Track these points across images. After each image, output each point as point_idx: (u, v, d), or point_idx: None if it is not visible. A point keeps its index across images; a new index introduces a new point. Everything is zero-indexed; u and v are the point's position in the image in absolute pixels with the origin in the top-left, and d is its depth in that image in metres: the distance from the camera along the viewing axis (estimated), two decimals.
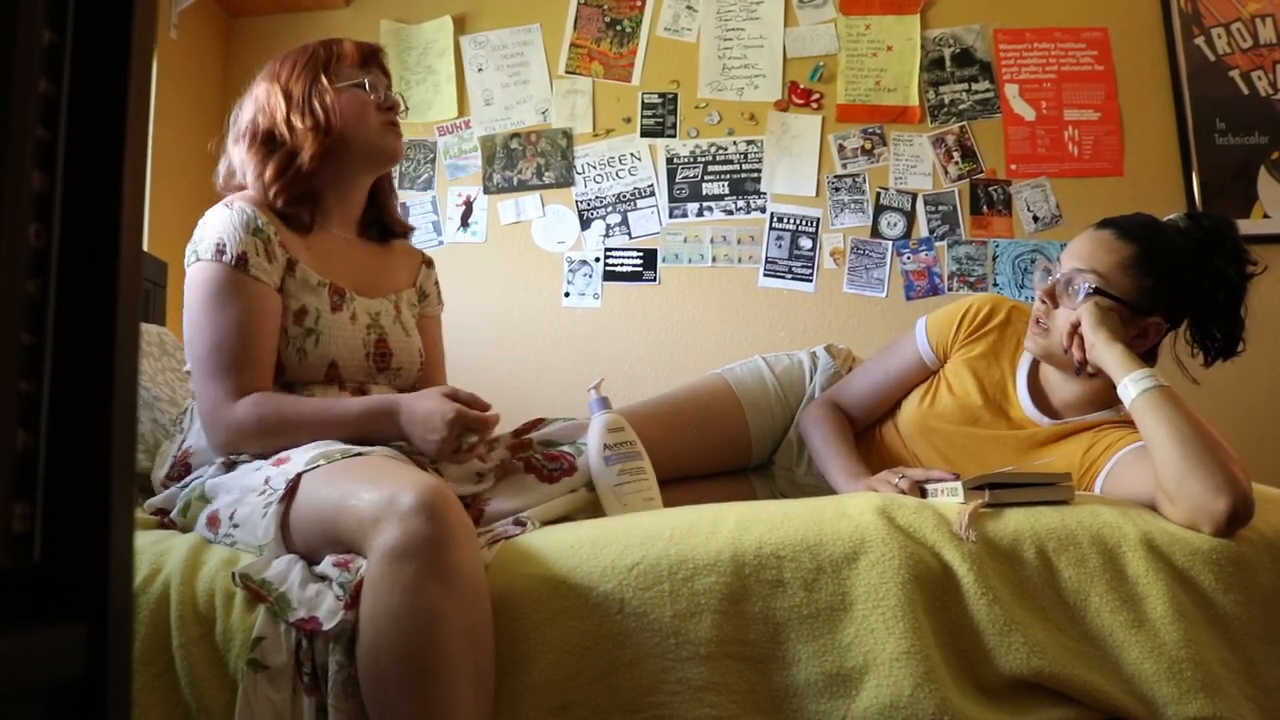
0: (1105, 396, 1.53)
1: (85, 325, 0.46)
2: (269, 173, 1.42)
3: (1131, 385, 1.34)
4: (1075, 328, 1.45)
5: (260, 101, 1.48)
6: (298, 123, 1.44)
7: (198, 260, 1.35)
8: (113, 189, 0.46)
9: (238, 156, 1.48)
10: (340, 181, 1.50)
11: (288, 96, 1.46)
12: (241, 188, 1.48)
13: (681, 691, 1.07)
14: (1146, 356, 1.52)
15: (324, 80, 1.47)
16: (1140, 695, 1.09)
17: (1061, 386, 1.56)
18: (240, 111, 1.51)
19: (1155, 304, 1.48)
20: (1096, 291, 1.46)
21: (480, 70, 3.10)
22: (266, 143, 1.44)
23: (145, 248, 2.53)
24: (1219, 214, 1.58)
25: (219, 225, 1.36)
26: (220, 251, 1.34)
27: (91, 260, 0.46)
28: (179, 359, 1.97)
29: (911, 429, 1.67)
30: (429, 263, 1.69)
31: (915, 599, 1.10)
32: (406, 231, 1.65)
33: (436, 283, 1.70)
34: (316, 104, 1.45)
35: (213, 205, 1.41)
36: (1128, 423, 1.48)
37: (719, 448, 1.78)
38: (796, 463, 1.78)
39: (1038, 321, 1.52)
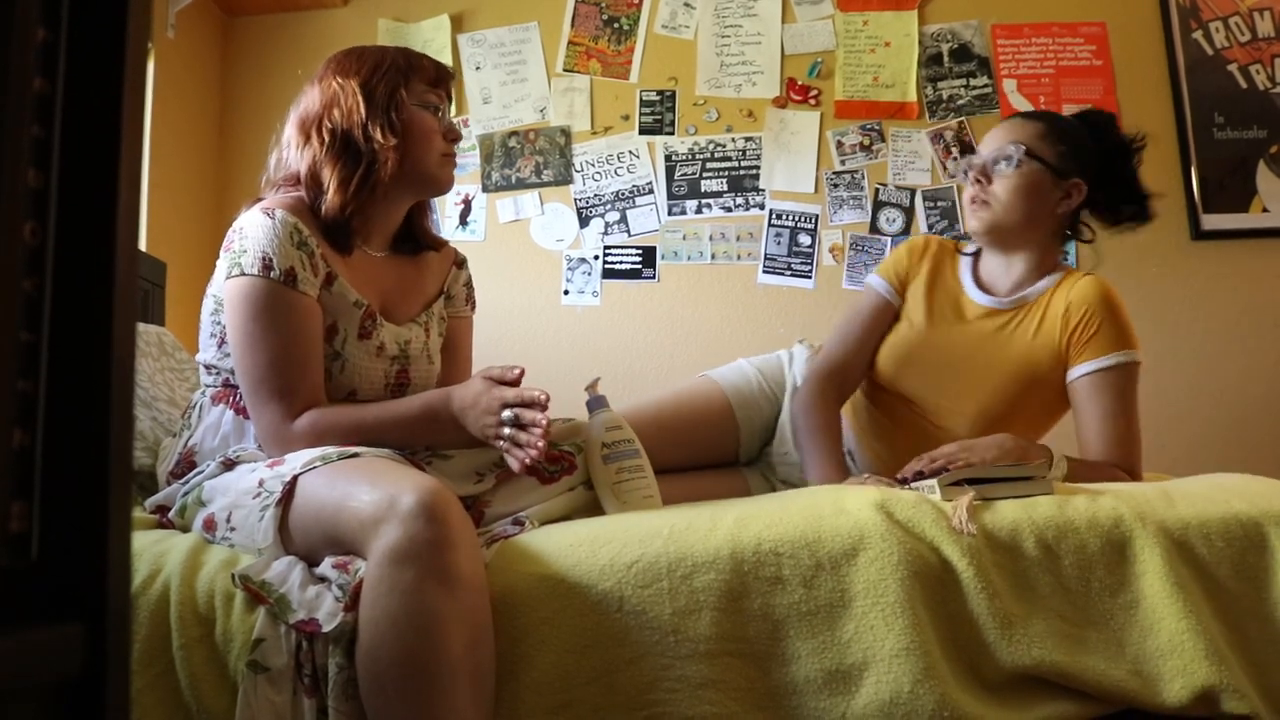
0: (1048, 263, 1.72)
1: (82, 323, 0.46)
2: (353, 185, 1.37)
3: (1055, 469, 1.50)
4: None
5: (335, 96, 1.41)
6: (378, 136, 1.38)
7: (242, 274, 1.31)
8: (108, 187, 0.46)
9: (299, 153, 1.42)
10: (387, 202, 1.46)
11: (369, 99, 1.40)
12: (291, 177, 1.43)
13: (681, 689, 1.07)
14: (1073, 220, 1.74)
15: (403, 93, 1.42)
16: (1146, 674, 1.10)
17: (1004, 271, 1.73)
18: (306, 104, 1.44)
19: (1072, 167, 1.68)
20: (1027, 154, 1.66)
21: (478, 68, 3.09)
22: (346, 148, 1.39)
23: (143, 247, 2.53)
24: (1098, 110, 1.83)
25: (262, 237, 1.31)
26: (267, 266, 1.29)
27: (87, 258, 0.46)
28: (178, 359, 1.97)
29: (890, 371, 1.74)
30: (460, 263, 1.64)
31: (914, 595, 1.10)
32: (439, 246, 1.60)
33: (467, 283, 1.66)
34: (395, 118, 1.40)
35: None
36: (1068, 278, 1.69)
37: (708, 444, 1.79)
38: (795, 445, 1.78)
39: (975, 200, 1.70)
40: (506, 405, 1.26)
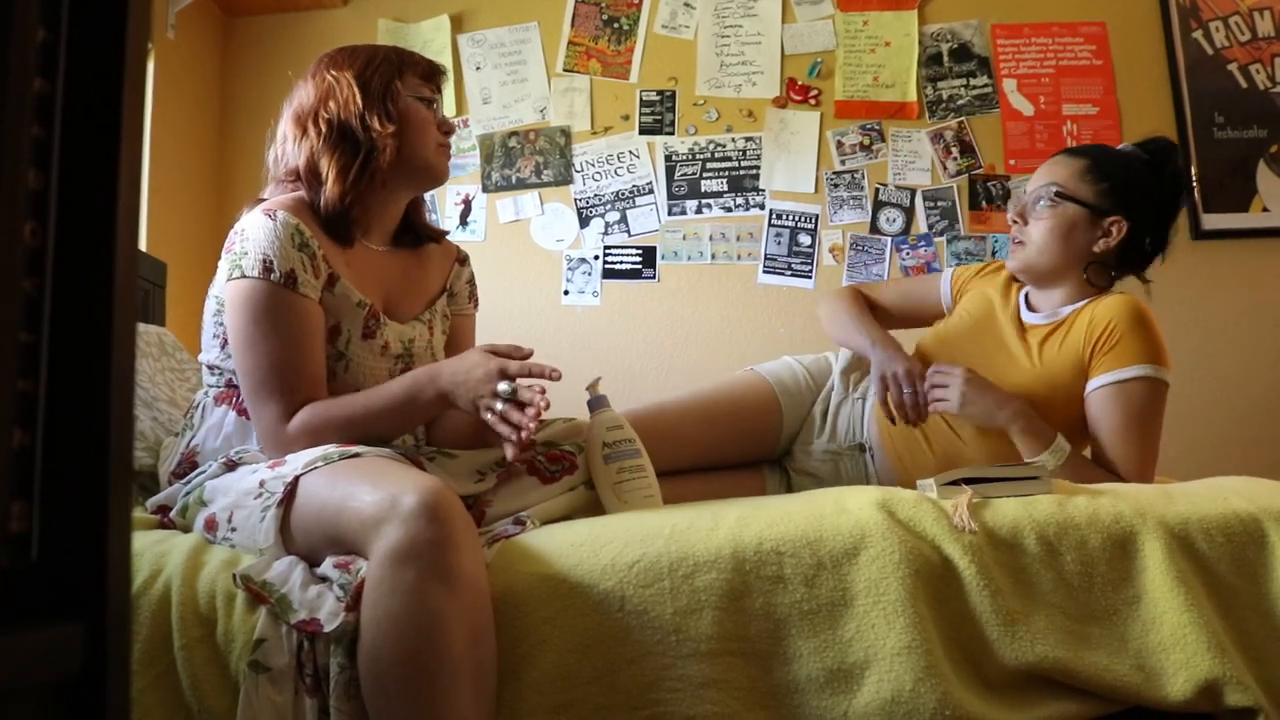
0: (1079, 291, 1.72)
1: (82, 324, 0.45)
2: (352, 173, 1.38)
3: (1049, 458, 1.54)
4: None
5: (330, 89, 1.42)
6: (376, 124, 1.39)
7: (243, 276, 1.31)
8: (108, 187, 0.46)
9: (296, 146, 1.42)
10: (385, 194, 1.46)
11: (365, 90, 1.41)
12: (291, 171, 1.43)
13: (683, 688, 1.07)
14: (1123, 256, 1.72)
15: (398, 84, 1.43)
16: (1149, 668, 1.10)
17: (1046, 299, 1.75)
18: (300, 98, 1.45)
19: (1113, 204, 1.68)
20: (1058, 195, 1.69)
21: (478, 69, 3.09)
22: (344, 138, 1.39)
23: (143, 248, 2.53)
24: (1160, 137, 1.79)
25: (264, 239, 1.31)
26: (268, 269, 1.29)
27: (87, 259, 0.46)
28: (179, 359, 1.97)
29: (930, 346, 1.80)
30: (462, 260, 1.65)
31: (916, 593, 1.10)
32: (439, 237, 1.61)
33: (470, 280, 1.66)
34: (391, 107, 1.41)
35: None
36: (1099, 296, 1.68)
37: (749, 439, 1.80)
38: (817, 435, 1.79)
39: (1013, 241, 1.75)
40: (507, 376, 1.26)
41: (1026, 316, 1.75)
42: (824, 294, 1.93)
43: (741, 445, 1.79)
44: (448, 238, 1.65)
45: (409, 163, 1.44)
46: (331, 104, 1.41)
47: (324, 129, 1.40)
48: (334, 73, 1.43)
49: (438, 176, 1.50)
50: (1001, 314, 1.76)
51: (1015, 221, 1.74)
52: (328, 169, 1.39)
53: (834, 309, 1.88)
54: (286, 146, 1.44)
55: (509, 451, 1.25)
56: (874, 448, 1.76)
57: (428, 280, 1.57)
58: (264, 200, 1.42)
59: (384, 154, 1.40)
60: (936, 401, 1.61)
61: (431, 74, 1.50)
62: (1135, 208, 1.68)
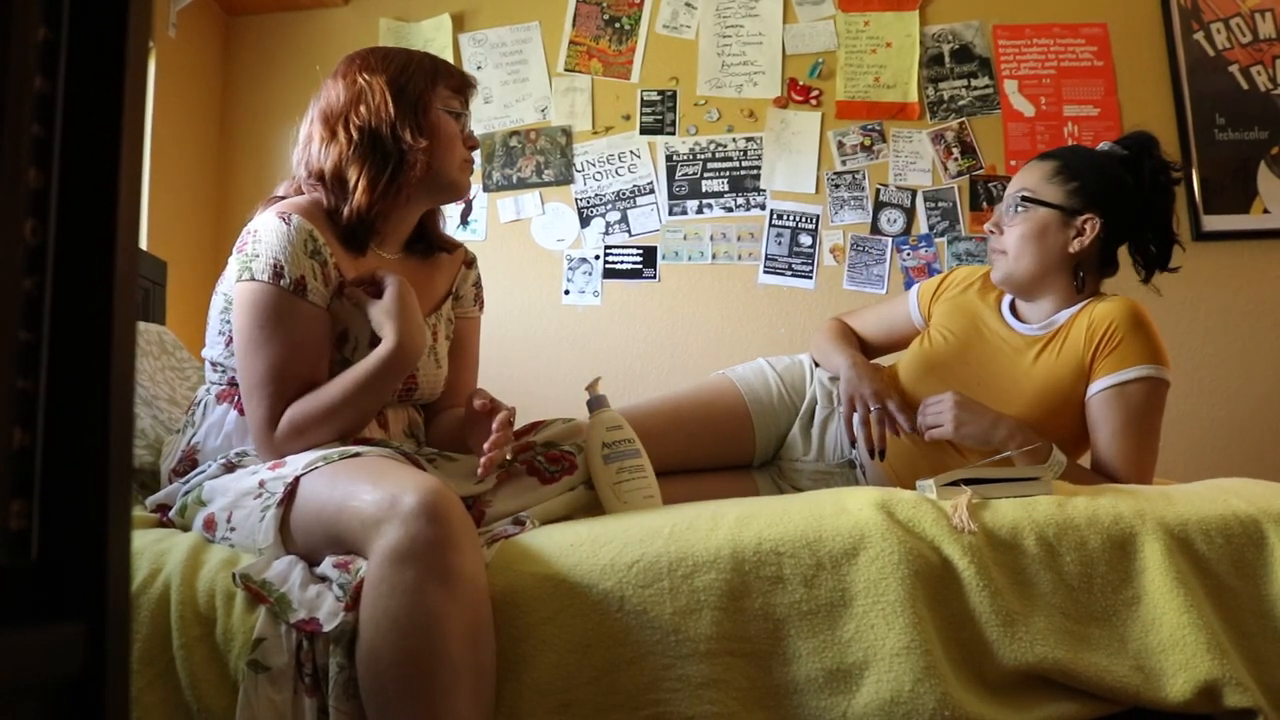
0: (1069, 297, 1.70)
1: (82, 322, 0.45)
2: (380, 185, 1.37)
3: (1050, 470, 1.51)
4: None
5: (361, 92, 1.40)
6: (408, 137, 1.38)
7: (252, 279, 1.30)
8: (109, 186, 0.46)
9: (323, 148, 1.40)
10: (407, 204, 1.45)
11: (397, 99, 1.39)
12: (315, 172, 1.41)
13: (682, 689, 1.07)
14: (1103, 258, 1.71)
15: (430, 95, 1.42)
16: (1148, 669, 1.10)
17: (1036, 310, 1.73)
18: (329, 98, 1.43)
19: (1085, 203, 1.66)
20: (1025, 200, 1.68)
21: (479, 68, 3.09)
22: (374, 148, 1.38)
23: (144, 246, 2.53)
24: (1139, 131, 1.76)
25: (276, 243, 1.30)
26: (278, 274, 1.29)
27: (88, 257, 0.46)
28: (179, 358, 1.97)
29: (916, 373, 1.75)
30: (469, 262, 1.64)
31: (916, 593, 1.10)
32: (452, 248, 1.59)
33: (476, 283, 1.64)
34: (423, 120, 1.40)
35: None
36: (1095, 300, 1.66)
37: (723, 444, 1.79)
38: (804, 455, 1.78)
39: (993, 250, 1.74)
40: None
41: (1019, 328, 1.72)
42: (822, 327, 1.95)
43: (713, 448, 1.78)
44: (461, 242, 1.64)
45: (435, 178, 1.43)
46: (362, 109, 1.39)
47: (354, 136, 1.38)
48: (366, 76, 1.41)
49: (460, 192, 1.49)
50: (988, 329, 1.74)
51: (992, 232, 1.74)
52: (356, 179, 1.37)
53: (818, 341, 1.89)
54: (312, 148, 1.42)
55: (480, 469, 1.28)
56: (864, 463, 1.74)
57: (435, 285, 1.56)
58: (279, 198, 1.41)
59: (414, 169, 1.39)
60: (931, 429, 1.59)
61: (463, 87, 1.49)
62: (1108, 205, 1.66)
